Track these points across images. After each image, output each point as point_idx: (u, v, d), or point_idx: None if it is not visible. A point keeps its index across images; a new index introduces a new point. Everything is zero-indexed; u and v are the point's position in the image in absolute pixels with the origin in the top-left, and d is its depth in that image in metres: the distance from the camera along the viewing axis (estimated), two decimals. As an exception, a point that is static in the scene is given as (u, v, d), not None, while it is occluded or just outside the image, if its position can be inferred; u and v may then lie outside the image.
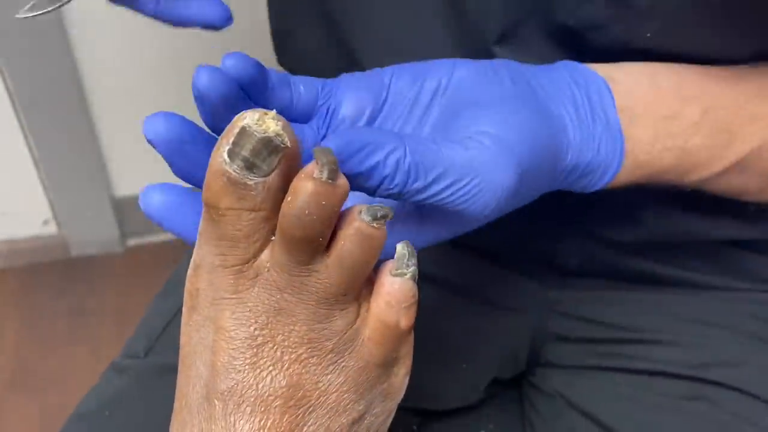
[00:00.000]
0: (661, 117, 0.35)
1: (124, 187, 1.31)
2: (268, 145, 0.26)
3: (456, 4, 0.39)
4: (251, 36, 1.17)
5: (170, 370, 0.46)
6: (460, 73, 0.32)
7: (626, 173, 0.35)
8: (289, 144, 0.26)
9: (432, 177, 0.28)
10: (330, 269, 0.27)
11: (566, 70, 0.35)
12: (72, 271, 1.33)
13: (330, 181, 0.25)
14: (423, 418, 0.50)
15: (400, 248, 0.29)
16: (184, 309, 0.30)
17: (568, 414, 0.48)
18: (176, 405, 0.30)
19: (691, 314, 0.47)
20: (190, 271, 0.29)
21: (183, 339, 0.30)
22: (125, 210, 1.33)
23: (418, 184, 0.28)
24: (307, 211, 0.25)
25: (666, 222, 0.45)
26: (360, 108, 0.31)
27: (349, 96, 0.31)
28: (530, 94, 0.32)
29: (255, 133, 0.26)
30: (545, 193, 0.36)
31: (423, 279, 0.30)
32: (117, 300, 1.27)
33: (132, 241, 1.38)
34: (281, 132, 0.26)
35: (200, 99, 0.29)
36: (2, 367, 1.16)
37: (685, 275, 0.47)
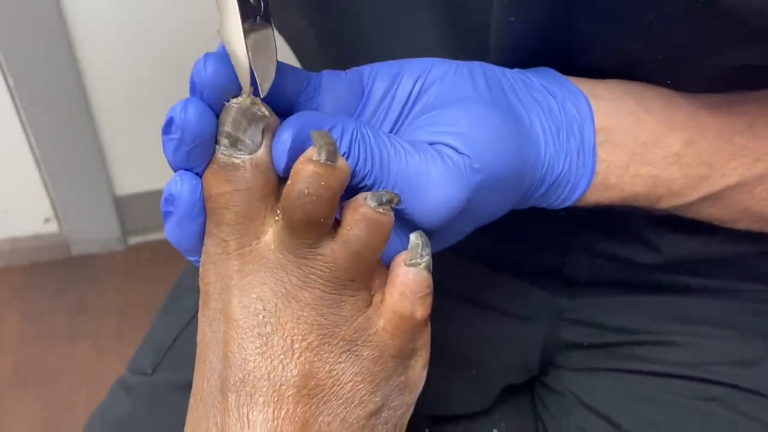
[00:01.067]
0: (640, 143, 0.34)
1: (125, 186, 1.31)
2: (246, 114, 0.26)
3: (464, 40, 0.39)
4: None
5: (179, 388, 0.46)
6: (436, 73, 0.32)
7: (594, 193, 0.35)
8: (267, 113, 0.27)
9: (383, 174, 0.28)
10: (336, 253, 0.27)
11: (545, 79, 0.34)
12: (73, 269, 1.33)
13: (329, 162, 0.26)
14: (435, 418, 0.50)
15: (414, 238, 0.29)
16: (199, 306, 0.30)
17: (578, 412, 0.48)
18: (191, 401, 0.30)
19: (703, 316, 0.47)
20: (200, 269, 0.30)
21: (198, 336, 0.30)
22: (126, 208, 1.33)
23: (367, 170, 0.28)
24: (306, 192, 0.26)
25: (680, 245, 0.44)
26: (340, 109, 0.31)
27: (331, 97, 0.31)
28: (505, 102, 0.32)
29: (233, 105, 0.27)
30: (552, 212, 0.36)
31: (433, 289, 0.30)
32: (118, 297, 1.28)
33: (133, 239, 1.38)
34: (257, 102, 0.27)
35: (202, 86, 0.28)
36: (4, 364, 1.17)
37: (696, 281, 0.47)
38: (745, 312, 0.47)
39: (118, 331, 1.22)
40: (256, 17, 0.26)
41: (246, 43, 0.26)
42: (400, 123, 0.32)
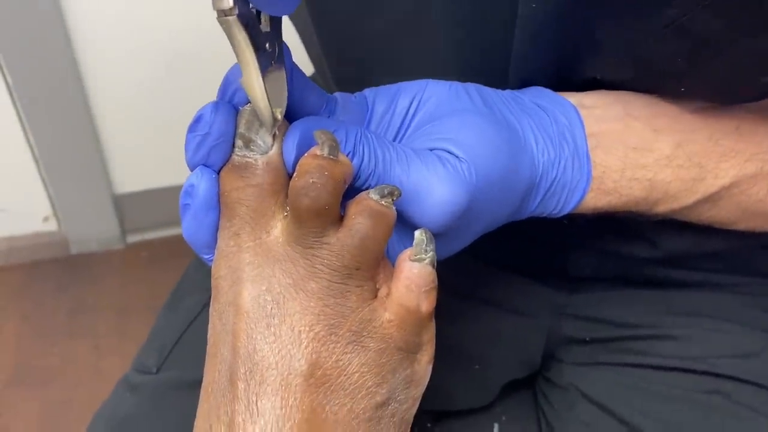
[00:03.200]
0: (631, 147, 0.36)
1: (124, 184, 1.31)
2: (258, 117, 0.29)
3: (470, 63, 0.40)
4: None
5: (184, 387, 0.47)
6: (431, 91, 0.34)
7: (593, 198, 0.36)
8: (278, 117, 0.29)
9: (386, 174, 0.30)
10: (342, 241, 0.28)
11: (535, 95, 0.36)
12: (72, 267, 1.33)
13: (331, 156, 0.28)
14: (437, 413, 0.51)
15: (419, 234, 0.30)
16: (210, 302, 0.31)
17: (582, 406, 0.48)
18: (202, 394, 0.30)
19: (703, 309, 0.48)
20: (212, 265, 0.31)
21: (209, 330, 0.31)
22: (125, 207, 1.33)
23: (371, 170, 0.30)
24: (312, 181, 0.27)
25: (679, 240, 0.45)
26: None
27: (344, 114, 0.33)
28: (498, 114, 0.34)
29: (246, 108, 0.29)
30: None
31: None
32: (117, 296, 1.28)
33: (132, 238, 1.38)
34: (268, 104, 0.28)
35: (234, 90, 0.31)
36: (3, 363, 1.17)
37: (697, 276, 0.48)
38: (745, 305, 0.48)
39: (117, 329, 1.22)
40: (271, 62, 0.29)
41: (265, 89, 0.28)
42: (400, 135, 0.34)
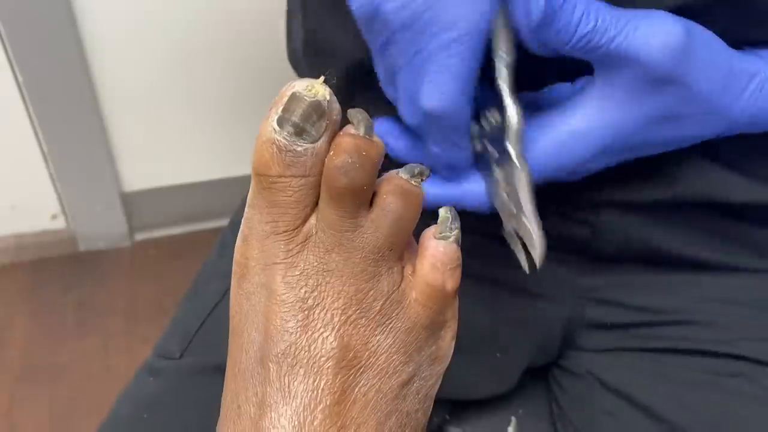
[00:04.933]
0: None
1: (132, 182, 1.32)
2: (318, 109, 0.27)
3: None
4: (256, 27, 1.16)
5: (208, 371, 0.47)
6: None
7: None
8: (336, 110, 0.28)
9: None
10: (375, 222, 0.28)
11: None
12: (80, 265, 1.33)
13: (367, 136, 0.28)
14: (454, 405, 0.51)
15: (443, 212, 0.30)
16: (232, 280, 0.31)
17: (600, 394, 0.48)
18: (228, 374, 0.30)
19: (724, 293, 0.47)
20: (238, 242, 0.30)
21: (233, 309, 0.31)
22: (133, 204, 1.34)
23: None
24: (350, 160, 0.27)
25: (702, 180, 0.44)
26: None
27: None
28: None
29: (305, 97, 0.28)
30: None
31: None
32: (125, 294, 1.28)
33: (140, 236, 1.38)
34: (329, 97, 0.28)
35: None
36: (12, 361, 1.17)
37: (721, 258, 0.47)
38: (766, 289, 0.47)
39: (125, 326, 1.22)
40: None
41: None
42: None
